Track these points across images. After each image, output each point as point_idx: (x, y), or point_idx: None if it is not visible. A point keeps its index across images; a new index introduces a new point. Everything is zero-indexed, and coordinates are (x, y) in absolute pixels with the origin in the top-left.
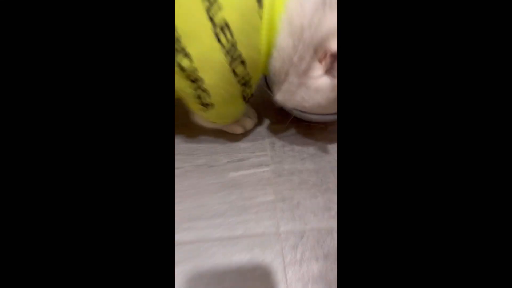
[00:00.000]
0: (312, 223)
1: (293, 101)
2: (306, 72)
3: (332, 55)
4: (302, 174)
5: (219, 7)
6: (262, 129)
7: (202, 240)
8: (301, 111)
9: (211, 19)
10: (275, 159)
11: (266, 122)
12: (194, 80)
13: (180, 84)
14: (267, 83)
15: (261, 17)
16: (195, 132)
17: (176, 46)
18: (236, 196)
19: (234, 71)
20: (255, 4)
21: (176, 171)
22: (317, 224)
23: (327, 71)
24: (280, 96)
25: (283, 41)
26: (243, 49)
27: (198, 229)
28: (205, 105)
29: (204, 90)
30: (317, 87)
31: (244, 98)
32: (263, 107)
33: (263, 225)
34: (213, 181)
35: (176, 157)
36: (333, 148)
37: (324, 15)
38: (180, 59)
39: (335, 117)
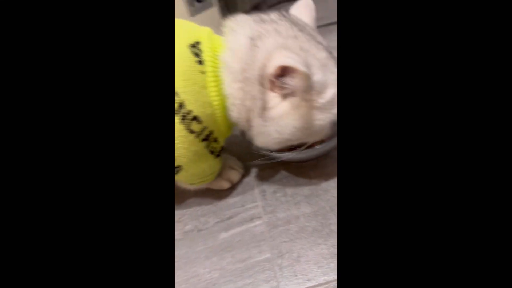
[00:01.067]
0: (318, 278)
1: (272, 140)
2: (264, 107)
3: (275, 76)
4: (299, 221)
5: None
6: (251, 178)
7: None
8: (283, 152)
9: None
10: (267, 209)
11: (254, 170)
12: None
13: None
14: (243, 135)
15: (203, 73)
16: (182, 197)
17: None
18: (228, 260)
19: (189, 129)
20: (194, 62)
21: None
22: (323, 277)
23: (283, 95)
24: (258, 141)
25: (229, 88)
26: (192, 107)
27: None
28: (174, 169)
29: None
30: (282, 113)
31: (212, 152)
32: (249, 155)
33: None
34: (203, 247)
35: None
36: (328, 184)
37: (255, 49)
38: None
39: (324, 148)
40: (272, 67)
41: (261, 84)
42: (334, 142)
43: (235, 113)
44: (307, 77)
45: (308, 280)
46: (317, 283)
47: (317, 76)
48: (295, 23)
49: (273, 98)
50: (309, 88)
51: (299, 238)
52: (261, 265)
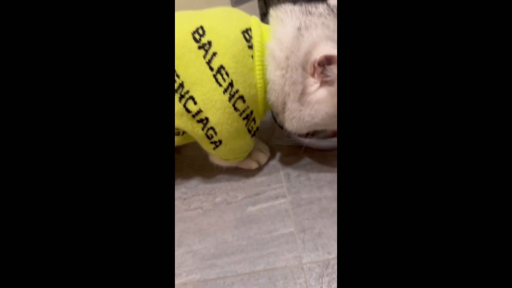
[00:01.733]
0: (336, 252)
1: (303, 124)
2: (303, 92)
3: (319, 63)
4: (321, 202)
5: (214, 53)
6: (276, 162)
7: (224, 277)
8: (311, 139)
9: (208, 64)
10: (291, 190)
11: (279, 154)
12: (201, 120)
13: (190, 126)
14: (275, 119)
15: (252, 57)
16: (213, 172)
17: (181, 91)
18: (255, 231)
19: (234, 107)
20: (245, 46)
21: (196, 210)
22: None
23: (322, 81)
24: (290, 125)
25: (272, 74)
26: (240, 86)
27: (220, 266)
28: (215, 143)
29: (211, 128)
30: (319, 99)
31: (249, 131)
32: (273, 139)
33: (285, 258)
34: (232, 218)
35: (196, 197)
36: None
37: (302, 37)
38: (186, 103)
39: None
40: (318, 54)
41: (304, 69)
42: None
43: (273, 97)
44: None
45: (328, 253)
46: (336, 256)
47: None
48: None
49: (313, 84)
50: None
51: (320, 218)
52: (285, 237)
